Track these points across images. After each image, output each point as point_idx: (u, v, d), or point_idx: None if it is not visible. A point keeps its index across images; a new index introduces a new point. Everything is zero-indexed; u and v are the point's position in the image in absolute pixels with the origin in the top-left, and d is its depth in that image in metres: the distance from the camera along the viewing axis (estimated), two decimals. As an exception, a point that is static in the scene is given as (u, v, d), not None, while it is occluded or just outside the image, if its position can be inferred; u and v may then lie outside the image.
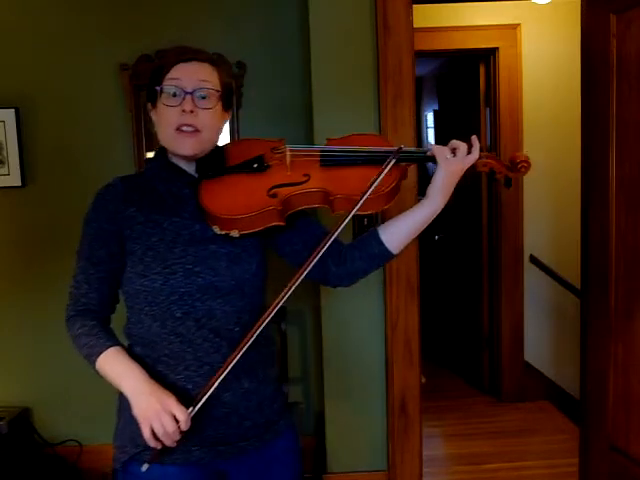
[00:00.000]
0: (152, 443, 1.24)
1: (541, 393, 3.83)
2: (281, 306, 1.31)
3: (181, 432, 1.24)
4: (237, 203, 1.34)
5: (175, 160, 1.41)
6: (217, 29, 2.85)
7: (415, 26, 2.50)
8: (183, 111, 1.32)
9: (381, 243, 1.41)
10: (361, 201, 1.32)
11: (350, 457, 2.64)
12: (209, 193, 1.36)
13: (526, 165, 1.44)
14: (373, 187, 1.33)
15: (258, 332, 1.29)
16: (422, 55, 3.53)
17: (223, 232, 1.33)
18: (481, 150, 1.40)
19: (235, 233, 1.33)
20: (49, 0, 2.87)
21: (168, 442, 1.24)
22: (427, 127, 6.36)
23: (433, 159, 1.39)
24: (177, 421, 1.23)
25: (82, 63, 2.87)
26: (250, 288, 1.38)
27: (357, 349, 2.59)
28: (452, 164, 1.37)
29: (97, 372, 1.34)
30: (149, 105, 1.41)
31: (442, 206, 1.39)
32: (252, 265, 1.38)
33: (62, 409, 2.98)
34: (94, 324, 1.36)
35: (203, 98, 1.34)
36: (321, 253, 1.33)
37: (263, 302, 1.44)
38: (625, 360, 2.27)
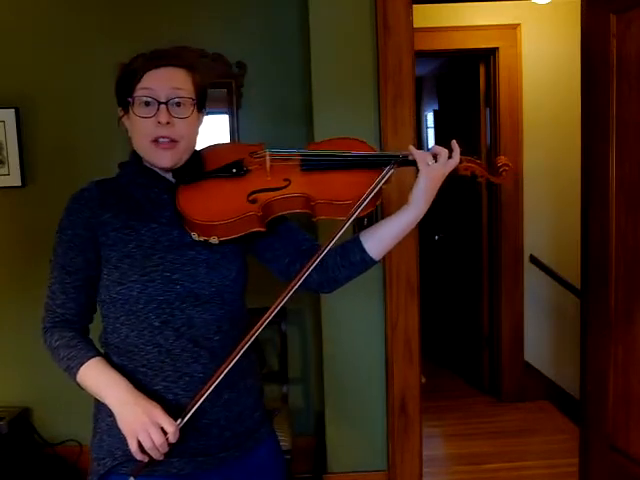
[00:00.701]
0: (139, 456, 1.20)
1: (541, 393, 3.83)
2: (281, 306, 1.30)
3: (169, 444, 1.20)
4: (216, 209, 1.30)
5: (150, 165, 1.36)
6: (217, 29, 2.85)
7: (415, 26, 2.51)
8: (159, 122, 1.28)
9: (364, 251, 1.38)
10: (361, 207, 1.30)
11: (350, 457, 2.64)
12: (187, 199, 1.31)
13: (507, 169, 1.43)
14: (373, 193, 1.31)
15: (249, 344, 1.26)
16: (422, 55, 3.53)
17: (202, 239, 1.29)
18: (462, 154, 1.38)
19: (214, 240, 1.29)
20: (49, 0, 2.87)
21: (156, 455, 1.20)
22: (427, 127, 6.36)
23: (414, 163, 1.36)
24: (165, 433, 1.19)
25: (82, 63, 2.87)
26: (230, 294, 1.34)
27: (357, 349, 2.60)
28: (433, 170, 1.33)
29: (78, 385, 1.29)
30: (120, 111, 1.35)
31: (425, 211, 1.36)
32: (232, 271, 1.34)
33: (62, 409, 2.98)
34: (73, 335, 1.32)
35: (177, 106, 1.30)
36: (317, 262, 1.30)
37: (244, 310, 1.41)
38: (625, 360, 2.27)
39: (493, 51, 3.70)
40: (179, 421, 1.22)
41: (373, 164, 1.39)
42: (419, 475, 2.65)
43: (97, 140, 2.90)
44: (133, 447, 1.20)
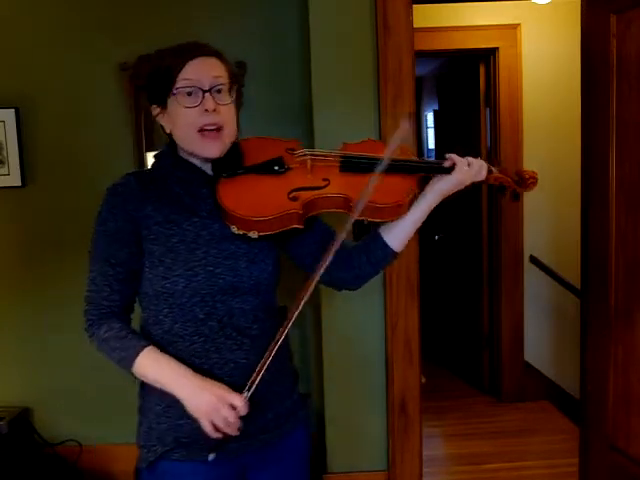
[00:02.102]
0: (215, 435, 1.25)
1: (541, 393, 3.83)
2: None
3: (240, 418, 1.25)
4: (257, 204, 1.33)
5: (185, 156, 1.38)
6: (217, 29, 2.85)
7: (415, 26, 2.51)
8: (205, 110, 1.29)
9: (386, 245, 1.43)
10: (360, 205, 1.31)
11: (350, 457, 2.64)
12: (228, 192, 1.33)
13: (534, 181, 1.50)
14: (369, 192, 1.33)
15: (293, 320, 1.29)
16: (422, 55, 3.53)
17: (241, 232, 1.32)
18: (493, 164, 1.47)
19: (254, 234, 1.32)
20: (49, 0, 2.87)
21: (232, 432, 1.24)
22: (427, 127, 6.36)
23: (448, 170, 1.41)
24: (234, 408, 1.24)
25: (82, 63, 2.87)
26: (266, 286, 1.39)
27: (357, 349, 2.59)
28: (465, 173, 1.40)
29: (132, 374, 1.32)
30: (156, 108, 1.36)
31: (434, 205, 1.43)
32: (269, 265, 1.39)
33: (62, 409, 2.98)
34: (121, 326, 1.33)
35: (219, 92, 1.32)
36: (331, 257, 1.32)
37: (276, 300, 1.46)
38: (625, 360, 2.27)
39: (493, 51, 3.70)
40: (245, 393, 1.26)
41: (411, 169, 1.43)
42: (419, 475, 2.65)
43: (97, 140, 2.90)
44: (209, 429, 1.24)
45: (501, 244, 3.80)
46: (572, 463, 2.72)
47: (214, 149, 1.33)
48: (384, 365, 2.60)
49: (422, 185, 1.45)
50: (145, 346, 1.30)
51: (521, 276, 3.79)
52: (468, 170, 1.40)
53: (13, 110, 2.84)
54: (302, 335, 3.01)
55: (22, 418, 2.89)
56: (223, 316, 1.33)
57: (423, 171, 1.44)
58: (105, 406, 2.98)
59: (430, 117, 6.10)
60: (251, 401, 1.28)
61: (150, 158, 2.73)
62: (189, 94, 1.30)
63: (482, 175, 1.43)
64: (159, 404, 1.35)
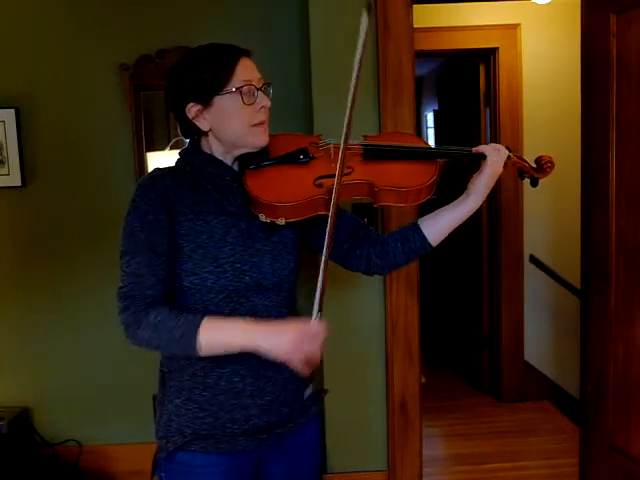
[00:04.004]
0: (307, 371, 1.29)
1: (541, 393, 3.83)
2: None
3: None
4: (284, 191, 1.37)
5: (213, 153, 1.41)
6: (217, 29, 2.85)
7: (415, 26, 2.51)
8: (262, 107, 1.36)
9: (424, 237, 1.47)
10: (335, 189, 1.33)
11: (350, 457, 2.64)
12: (255, 182, 1.37)
13: (550, 165, 1.54)
14: (338, 177, 1.35)
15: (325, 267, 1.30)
16: (422, 55, 3.53)
17: (269, 220, 1.35)
18: (511, 151, 1.48)
19: (281, 221, 1.35)
20: (49, 1, 2.87)
21: (319, 358, 1.27)
22: (427, 127, 6.36)
23: (476, 157, 1.44)
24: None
25: (82, 63, 2.87)
26: (288, 283, 1.43)
27: (357, 349, 2.59)
28: (496, 162, 1.43)
29: (193, 351, 1.27)
30: (194, 106, 1.36)
31: (480, 204, 1.46)
32: (291, 262, 1.43)
33: (62, 409, 2.98)
34: (169, 309, 1.31)
35: (263, 91, 1.38)
36: (329, 247, 1.34)
37: (296, 296, 1.49)
38: (625, 360, 2.27)
39: (493, 51, 3.70)
40: (317, 316, 1.28)
41: (430, 155, 1.47)
42: (419, 475, 2.65)
43: (97, 140, 2.90)
44: (299, 367, 1.27)
45: (501, 244, 3.79)
46: (572, 463, 2.72)
47: (264, 137, 1.39)
48: (384, 365, 2.60)
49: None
50: (202, 317, 1.28)
51: (521, 276, 3.79)
52: (497, 158, 1.42)
53: (13, 110, 2.85)
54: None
55: (22, 418, 2.89)
56: (247, 312, 1.35)
57: (445, 157, 1.49)
58: (105, 406, 2.99)
59: (430, 117, 6.10)
60: (266, 399, 1.37)
61: (150, 158, 2.74)
62: (248, 93, 1.35)
63: (504, 155, 1.44)
64: (179, 397, 1.38)
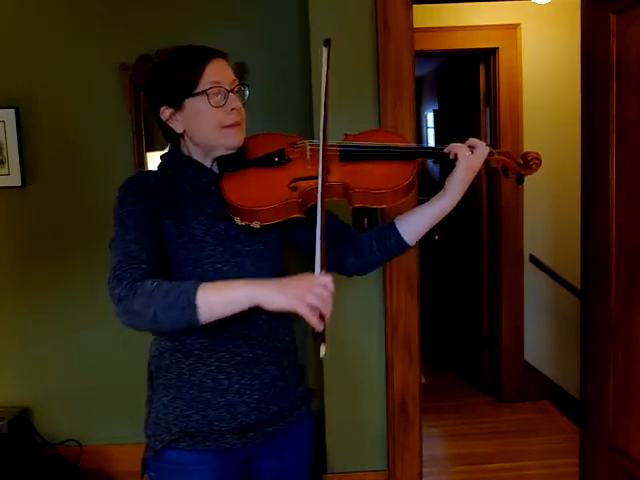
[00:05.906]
0: (320, 326, 1.18)
1: (541, 393, 3.83)
2: None
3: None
4: (259, 195, 1.37)
5: (192, 155, 1.41)
6: (217, 29, 2.85)
7: (415, 26, 2.50)
8: (232, 109, 1.35)
9: (399, 236, 1.45)
10: (320, 189, 1.32)
11: (350, 457, 2.64)
12: (231, 186, 1.38)
13: (537, 162, 1.51)
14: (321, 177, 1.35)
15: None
16: (422, 55, 3.53)
17: (244, 223, 1.35)
18: (494, 147, 1.46)
19: (256, 224, 1.35)
20: (49, 1, 2.87)
21: (328, 309, 1.18)
22: (427, 127, 6.36)
23: (447, 156, 1.43)
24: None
25: (82, 63, 2.87)
26: None
27: (357, 349, 2.59)
28: (471, 159, 1.41)
29: (193, 313, 1.19)
30: (167, 110, 1.37)
31: (458, 200, 1.43)
32: (274, 263, 1.44)
33: (62, 409, 2.98)
34: (164, 280, 1.24)
35: (236, 92, 1.38)
36: (320, 246, 1.30)
37: None
38: (625, 360, 2.27)
39: (493, 51, 3.70)
40: (322, 272, 1.23)
41: (408, 156, 1.45)
42: (419, 475, 2.65)
43: (97, 140, 2.90)
44: (308, 316, 1.17)
45: (501, 244, 3.79)
46: (572, 463, 2.72)
47: (238, 138, 1.38)
48: (384, 365, 2.60)
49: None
50: (199, 282, 1.22)
51: (521, 276, 3.79)
52: (472, 155, 1.40)
53: (13, 110, 2.84)
54: (302, 335, 3.01)
55: (22, 418, 2.89)
56: None
57: (419, 156, 1.47)
58: (105, 406, 2.99)
59: (430, 117, 6.11)
60: (254, 397, 1.35)
61: (150, 158, 2.74)
62: (216, 95, 1.34)
63: (485, 151, 1.42)
64: (166, 395, 1.39)
